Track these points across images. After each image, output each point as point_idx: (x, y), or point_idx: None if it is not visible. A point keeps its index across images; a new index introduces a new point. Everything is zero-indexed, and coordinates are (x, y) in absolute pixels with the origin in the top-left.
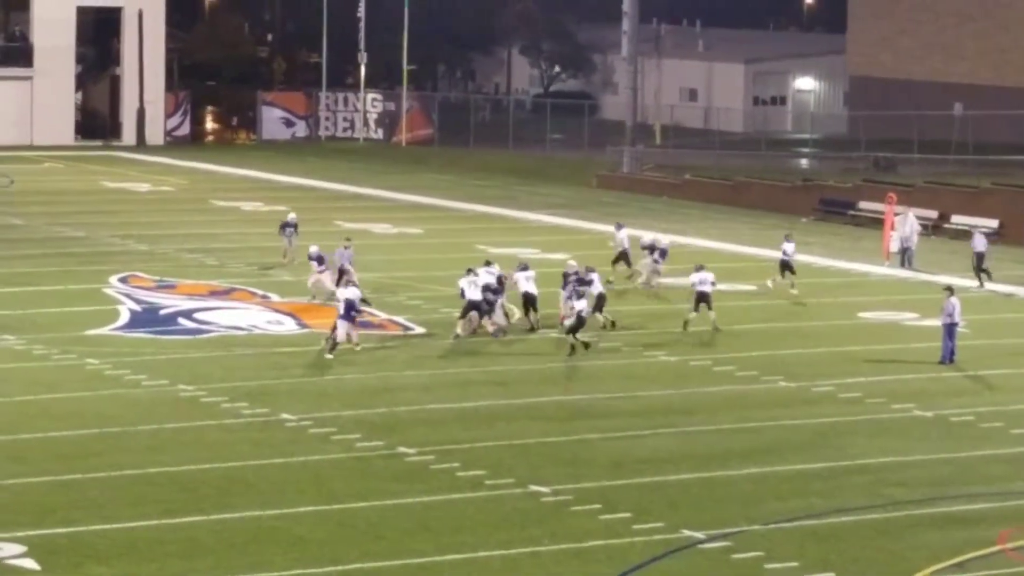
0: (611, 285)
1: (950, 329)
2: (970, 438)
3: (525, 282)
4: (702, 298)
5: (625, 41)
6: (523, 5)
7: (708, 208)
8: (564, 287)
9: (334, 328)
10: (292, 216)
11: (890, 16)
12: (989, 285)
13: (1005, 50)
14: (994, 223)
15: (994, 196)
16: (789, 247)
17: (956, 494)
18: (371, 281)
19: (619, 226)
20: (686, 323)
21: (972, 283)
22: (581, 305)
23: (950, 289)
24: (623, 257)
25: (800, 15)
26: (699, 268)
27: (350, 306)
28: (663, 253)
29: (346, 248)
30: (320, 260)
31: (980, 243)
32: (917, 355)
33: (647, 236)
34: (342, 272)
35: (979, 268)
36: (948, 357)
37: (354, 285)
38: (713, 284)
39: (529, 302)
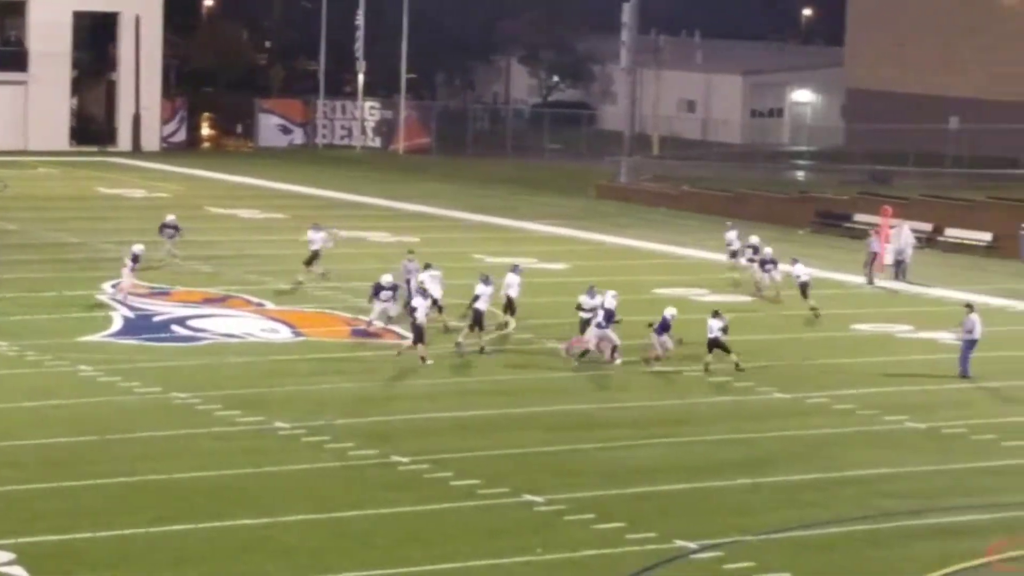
0: (301, 285)
1: (970, 345)
2: (962, 450)
3: (431, 281)
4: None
5: (624, 52)
6: (525, 15)
7: (706, 219)
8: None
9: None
10: (171, 217)
11: (889, 30)
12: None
13: (1005, 64)
14: (988, 236)
15: (988, 210)
16: (731, 235)
17: (947, 506)
18: (367, 290)
19: (315, 227)
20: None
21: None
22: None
23: (970, 306)
24: (315, 257)
25: (799, 28)
26: (793, 261)
27: (609, 315)
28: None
29: (514, 272)
30: (135, 259)
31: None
32: (910, 367)
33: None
34: (510, 301)
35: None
36: (966, 372)
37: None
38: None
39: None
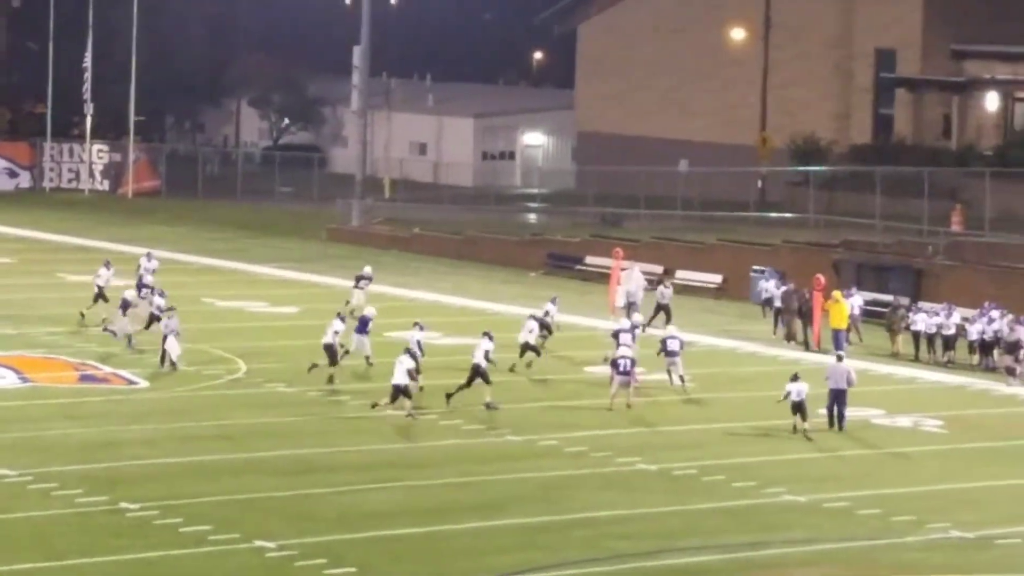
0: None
1: (837, 395)
2: (693, 491)
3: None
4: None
5: (355, 94)
6: (254, 58)
7: (438, 262)
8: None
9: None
10: None
11: (618, 73)
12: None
13: (733, 107)
14: (718, 278)
15: (718, 251)
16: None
17: (680, 547)
18: (96, 335)
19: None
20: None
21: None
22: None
23: (840, 357)
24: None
25: (529, 71)
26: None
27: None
28: None
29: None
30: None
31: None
32: (641, 409)
33: None
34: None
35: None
36: (839, 422)
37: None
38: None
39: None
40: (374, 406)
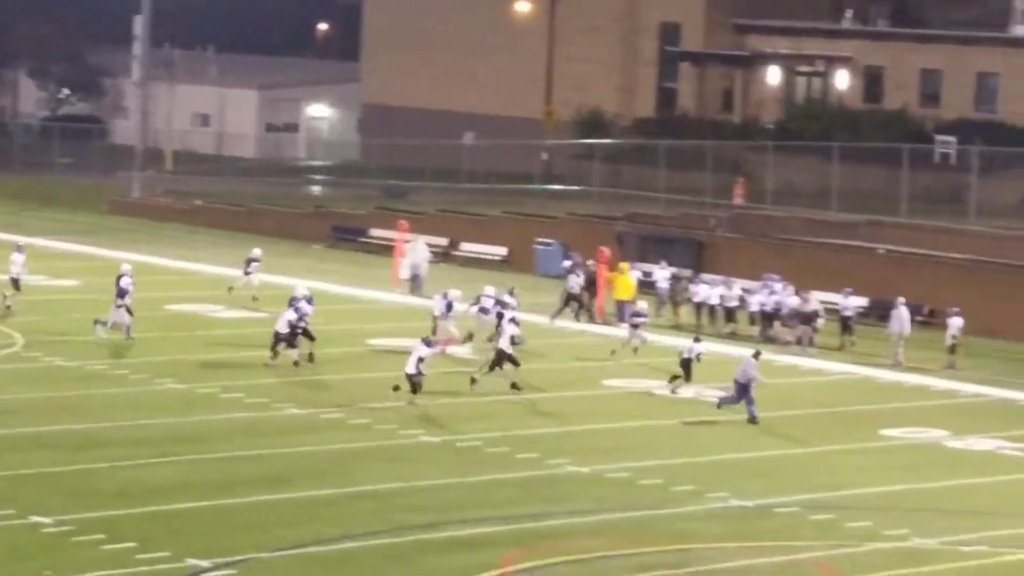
0: None
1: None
2: (477, 463)
3: None
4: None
5: (136, 65)
6: (33, 27)
7: (221, 234)
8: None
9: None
10: None
11: (405, 46)
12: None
13: (519, 80)
14: (503, 250)
15: (502, 224)
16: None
17: (464, 518)
18: None
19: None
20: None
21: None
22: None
23: (757, 353)
24: None
25: (315, 43)
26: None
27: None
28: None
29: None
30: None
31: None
32: (432, 381)
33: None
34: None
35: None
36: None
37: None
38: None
39: None
40: (513, 386)
